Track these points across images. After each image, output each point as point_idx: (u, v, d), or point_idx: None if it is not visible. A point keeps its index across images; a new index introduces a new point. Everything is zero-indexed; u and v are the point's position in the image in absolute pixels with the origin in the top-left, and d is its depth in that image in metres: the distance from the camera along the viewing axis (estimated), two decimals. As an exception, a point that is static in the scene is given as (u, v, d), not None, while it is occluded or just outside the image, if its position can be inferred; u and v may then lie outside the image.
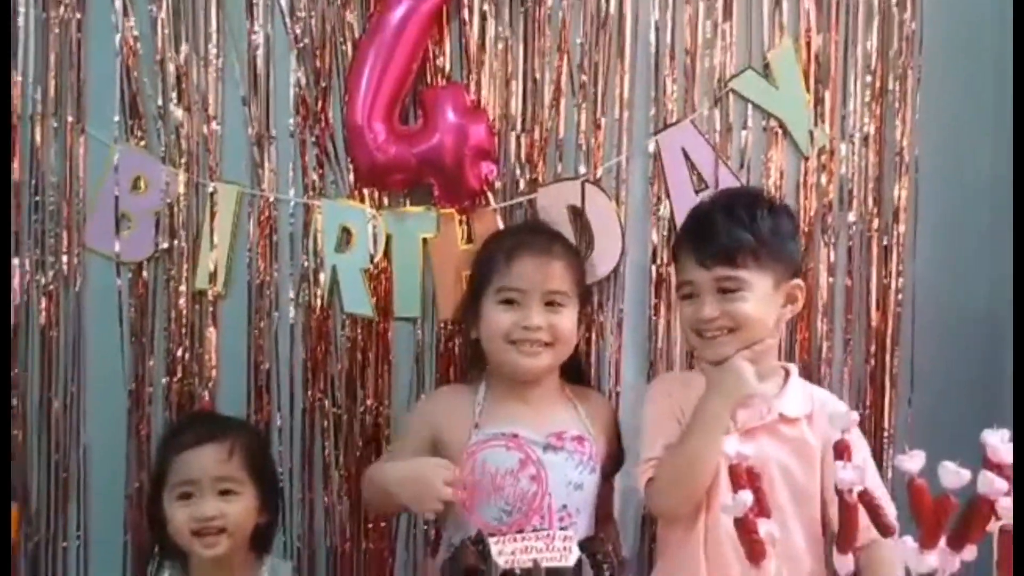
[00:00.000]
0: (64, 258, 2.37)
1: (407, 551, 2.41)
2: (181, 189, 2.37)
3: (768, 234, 1.94)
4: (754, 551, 1.43)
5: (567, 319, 2.03)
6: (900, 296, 2.39)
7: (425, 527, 2.37)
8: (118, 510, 2.39)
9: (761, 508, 1.46)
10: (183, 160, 2.37)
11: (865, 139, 2.39)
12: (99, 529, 2.41)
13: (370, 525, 2.38)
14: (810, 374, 2.27)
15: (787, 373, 1.97)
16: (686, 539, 1.88)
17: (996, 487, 1.39)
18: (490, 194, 2.34)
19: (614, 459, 2.13)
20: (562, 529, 1.57)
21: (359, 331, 2.39)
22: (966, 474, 1.39)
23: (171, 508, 1.92)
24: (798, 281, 1.99)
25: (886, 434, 2.37)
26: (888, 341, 2.39)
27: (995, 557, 1.45)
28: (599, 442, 2.07)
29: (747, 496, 1.42)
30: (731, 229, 1.93)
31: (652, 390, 2.08)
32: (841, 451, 1.50)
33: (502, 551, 1.49)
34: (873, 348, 2.40)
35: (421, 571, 2.22)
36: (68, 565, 2.39)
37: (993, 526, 1.44)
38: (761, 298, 1.91)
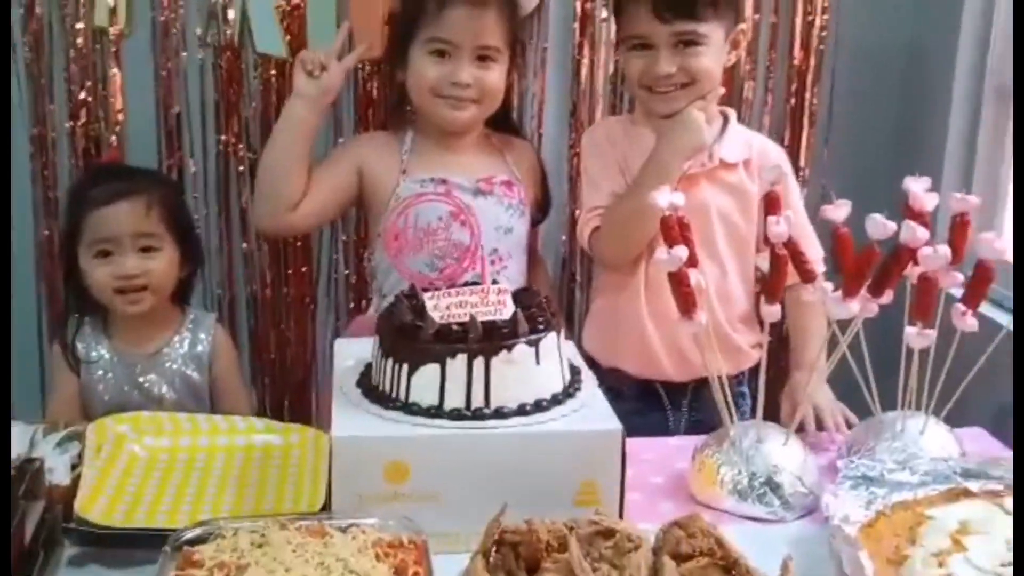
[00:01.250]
0: (-55, -8, 2.20)
1: (328, 296, 2.43)
2: (69, -91, 2.19)
3: None
4: (687, 303, 1.45)
5: (496, 74, 1.96)
6: (824, 33, 2.37)
7: (347, 272, 2.37)
8: (28, 255, 2.35)
9: (691, 259, 1.47)
10: None
11: None
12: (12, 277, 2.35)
13: (290, 271, 2.38)
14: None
15: (725, 118, 1.94)
16: (627, 281, 1.90)
17: (918, 236, 1.42)
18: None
19: (540, 206, 2.12)
20: (495, 282, 1.56)
21: (272, 72, 2.30)
22: (892, 226, 1.42)
23: (89, 265, 1.86)
24: (743, 26, 1.92)
25: (803, 173, 2.40)
26: (809, 79, 2.39)
27: (908, 301, 1.52)
28: (527, 186, 2.06)
29: (682, 251, 1.43)
30: None
31: (593, 138, 2.00)
32: (771, 205, 1.50)
33: (436, 306, 1.48)
34: (794, 87, 2.39)
35: (349, 327, 2.22)
36: (-18, 314, 2.35)
37: (911, 271, 1.49)
38: (716, 50, 1.84)
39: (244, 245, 2.39)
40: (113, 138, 2.29)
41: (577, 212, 2.05)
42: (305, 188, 1.94)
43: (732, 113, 1.95)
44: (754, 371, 1.97)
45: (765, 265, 1.52)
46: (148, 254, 1.87)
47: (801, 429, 1.68)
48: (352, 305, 2.41)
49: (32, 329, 2.35)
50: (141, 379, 1.91)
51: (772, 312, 1.48)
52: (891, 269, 1.45)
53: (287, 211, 1.94)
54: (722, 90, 1.90)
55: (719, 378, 1.53)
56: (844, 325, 1.48)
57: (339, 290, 2.43)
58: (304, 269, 2.40)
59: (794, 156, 2.40)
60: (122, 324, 1.92)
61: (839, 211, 1.50)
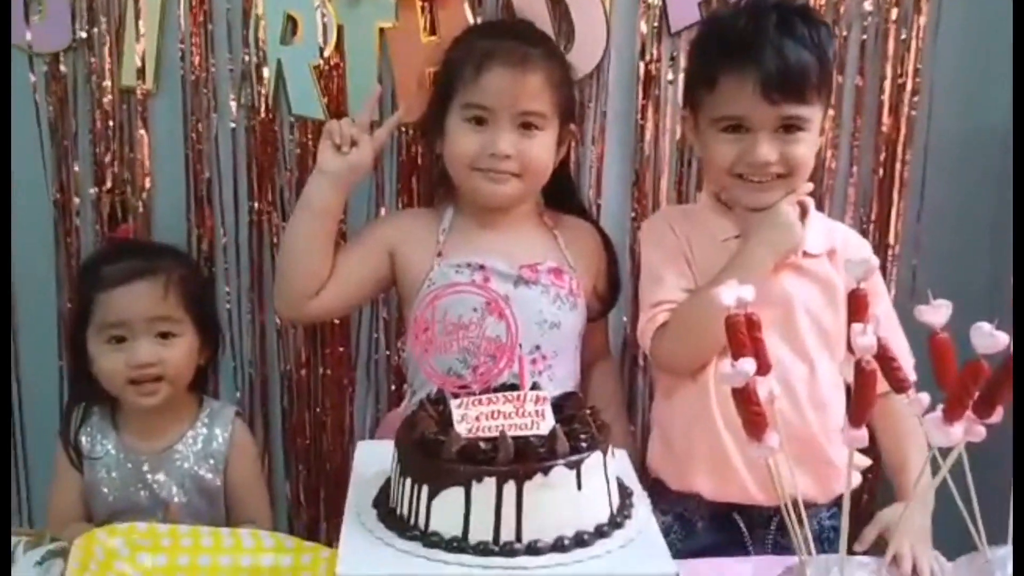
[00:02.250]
0: (-33, 49, 2.09)
1: (368, 378, 2.25)
2: (98, -35, 2.07)
3: (830, 58, 1.66)
4: (755, 424, 1.23)
5: (541, 146, 1.77)
6: (916, 98, 2.13)
7: (388, 352, 2.19)
8: (50, 331, 2.20)
9: (761, 365, 1.26)
10: (99, -69, 2.05)
11: (887, -83, 2.08)
12: (31, 353, 2.22)
13: (327, 350, 2.21)
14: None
15: (803, 208, 1.73)
16: (692, 385, 1.69)
17: (1036, 344, 1.19)
18: (457, -23, 2.05)
19: (602, 297, 1.93)
20: (535, 386, 1.36)
21: (309, 135, 2.13)
22: (1003, 338, 1.19)
23: (99, 352, 1.70)
24: (830, 112, 1.73)
25: (891, 251, 2.17)
26: (899, 148, 2.15)
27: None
28: (582, 275, 1.86)
29: (749, 364, 1.21)
30: (800, 54, 1.61)
31: (654, 227, 1.81)
32: (857, 307, 1.29)
33: (465, 416, 1.29)
34: (882, 156, 2.16)
35: (381, 424, 2.03)
36: (-1, 392, 2.22)
37: (1023, 383, 1.26)
38: (814, 138, 1.66)
39: (278, 321, 2.21)
40: (140, 207, 2.14)
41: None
42: (329, 273, 1.77)
43: (810, 202, 1.73)
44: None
45: (850, 373, 1.29)
46: (165, 340, 1.71)
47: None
48: (393, 388, 2.22)
49: (53, 412, 2.17)
50: (149, 478, 1.73)
51: (857, 437, 1.25)
52: (1002, 384, 1.22)
53: (307, 299, 1.77)
54: (810, 186, 1.71)
55: (795, 503, 1.31)
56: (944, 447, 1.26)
57: (379, 372, 2.24)
58: (342, 348, 2.22)
59: (882, 231, 2.18)
60: (131, 416, 1.75)
61: (937, 314, 1.27)
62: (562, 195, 1.93)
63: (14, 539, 1.43)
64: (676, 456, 1.72)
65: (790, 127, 1.63)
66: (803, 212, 1.70)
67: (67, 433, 1.75)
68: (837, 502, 1.71)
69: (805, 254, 1.68)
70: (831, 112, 1.76)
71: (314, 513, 2.29)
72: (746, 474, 1.66)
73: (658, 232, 1.76)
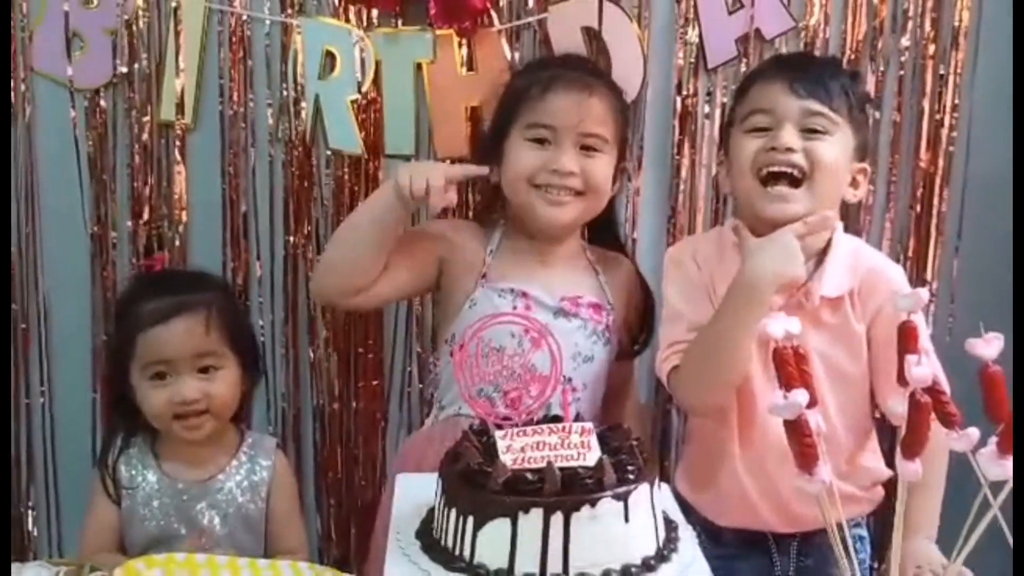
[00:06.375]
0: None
1: (401, 412, 2.24)
2: (140, 2, 2.09)
3: (859, 96, 1.72)
4: (807, 456, 1.22)
5: (603, 166, 1.77)
6: (954, 134, 2.13)
7: (421, 386, 2.18)
8: (84, 363, 2.21)
9: (811, 398, 1.25)
10: (141, -32, 2.08)
11: (925, -51, 2.08)
12: (64, 384, 2.23)
13: (360, 383, 2.20)
14: (847, 222, 2.01)
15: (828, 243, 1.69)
16: (717, 431, 1.67)
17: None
18: (494, 13, 2.07)
19: (633, 334, 1.91)
20: (578, 418, 1.34)
21: (346, 169, 2.14)
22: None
23: (143, 388, 1.69)
24: (865, 165, 1.73)
25: (930, 287, 2.15)
26: (937, 184, 2.14)
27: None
28: (618, 312, 1.85)
29: (802, 396, 1.20)
30: (830, 69, 1.73)
31: (676, 257, 1.77)
32: (907, 339, 1.27)
33: (510, 447, 1.28)
34: (920, 192, 2.15)
35: (400, 450, 1.99)
36: (33, 425, 2.22)
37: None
38: (840, 151, 1.65)
39: (311, 355, 2.21)
40: (177, 240, 2.15)
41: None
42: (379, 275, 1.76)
43: (837, 238, 1.68)
44: (874, 512, 1.75)
45: (899, 407, 1.27)
46: (207, 375, 1.69)
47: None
48: (425, 422, 2.20)
49: (85, 443, 2.18)
50: (190, 509, 1.71)
51: (912, 471, 1.23)
52: (1058, 417, 1.20)
53: (356, 293, 1.76)
54: (829, 215, 1.65)
55: (840, 532, 1.29)
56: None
57: (412, 406, 2.23)
58: (376, 382, 2.21)
59: (919, 267, 2.16)
60: (174, 446, 1.73)
61: (990, 347, 1.25)
62: (604, 230, 1.93)
63: (53, 569, 1.41)
64: (702, 494, 1.72)
65: (812, 128, 1.63)
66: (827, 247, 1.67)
67: (105, 463, 1.74)
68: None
69: (822, 299, 1.63)
70: (864, 186, 1.75)
71: (344, 548, 2.27)
72: (767, 512, 1.67)
73: (679, 264, 1.74)
